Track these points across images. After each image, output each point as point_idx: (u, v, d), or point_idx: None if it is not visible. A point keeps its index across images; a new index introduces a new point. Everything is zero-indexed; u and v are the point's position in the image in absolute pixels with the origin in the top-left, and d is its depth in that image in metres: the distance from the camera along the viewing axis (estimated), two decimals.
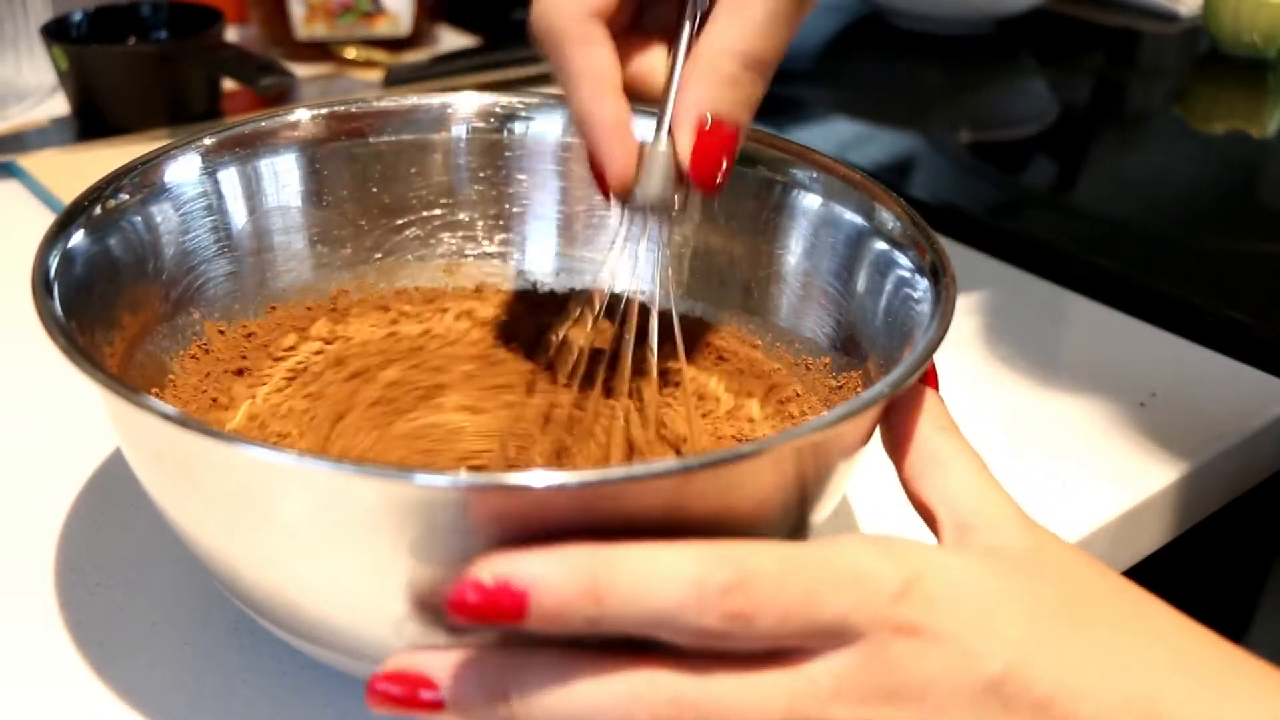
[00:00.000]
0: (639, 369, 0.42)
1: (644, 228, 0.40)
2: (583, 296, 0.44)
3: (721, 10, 0.37)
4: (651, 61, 0.39)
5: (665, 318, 0.42)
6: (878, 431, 0.36)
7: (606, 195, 0.39)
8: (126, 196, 0.41)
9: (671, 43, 0.39)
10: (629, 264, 0.41)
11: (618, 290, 0.43)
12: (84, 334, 0.36)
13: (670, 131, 0.38)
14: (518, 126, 0.48)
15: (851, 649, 0.29)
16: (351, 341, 0.46)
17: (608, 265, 0.41)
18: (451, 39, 0.93)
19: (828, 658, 0.29)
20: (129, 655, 0.38)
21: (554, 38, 0.37)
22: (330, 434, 0.42)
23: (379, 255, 0.48)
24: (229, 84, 0.78)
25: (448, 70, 0.83)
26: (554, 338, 0.44)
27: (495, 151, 0.48)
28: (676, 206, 0.39)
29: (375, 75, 0.84)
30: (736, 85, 0.37)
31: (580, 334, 0.43)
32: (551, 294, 0.49)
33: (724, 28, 0.37)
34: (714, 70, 0.37)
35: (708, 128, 0.37)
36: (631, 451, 0.41)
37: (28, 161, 0.69)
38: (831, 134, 0.83)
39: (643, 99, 0.39)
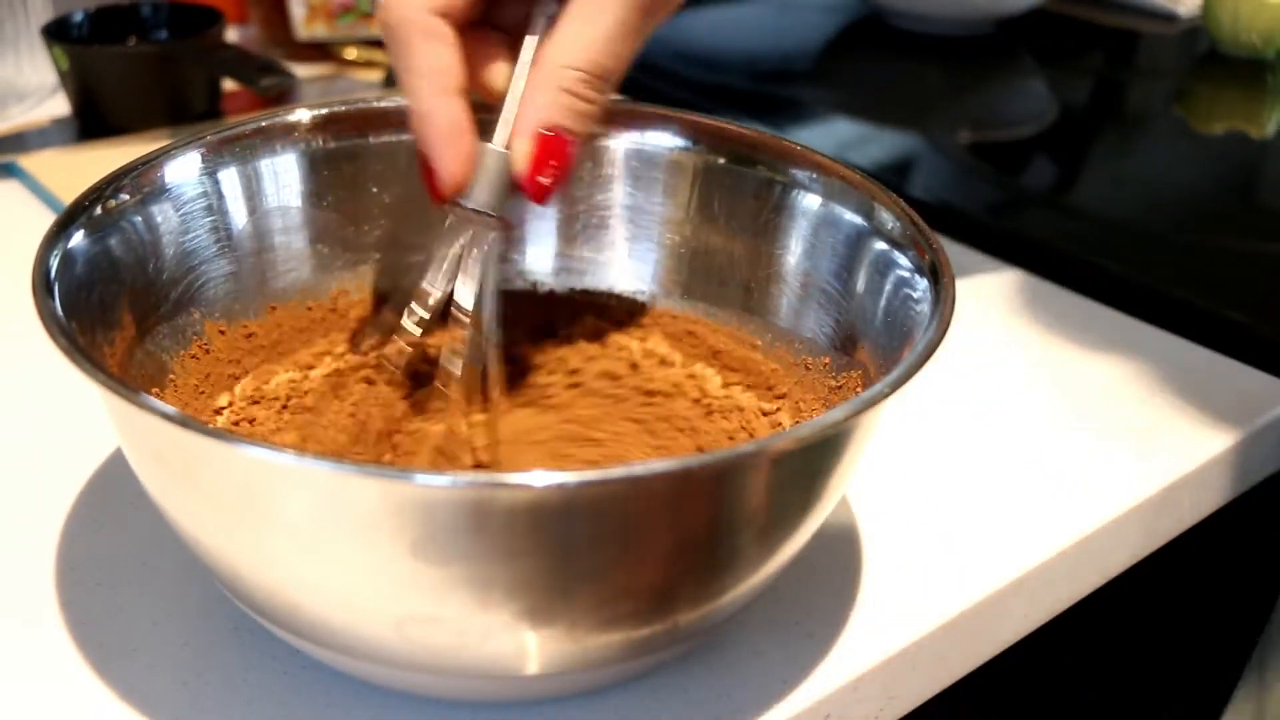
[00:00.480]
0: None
1: (471, 234, 0.39)
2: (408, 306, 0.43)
3: (570, 17, 0.37)
4: (495, 62, 0.39)
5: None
6: (878, 431, 0.36)
7: (436, 199, 0.39)
8: (126, 196, 0.41)
9: (516, 44, 0.39)
10: (454, 272, 0.40)
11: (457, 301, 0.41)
12: (84, 334, 0.36)
13: (509, 139, 0.38)
14: None
15: None
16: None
17: (435, 273, 0.41)
18: None
19: None
20: (129, 655, 0.38)
21: (399, 32, 0.37)
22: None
23: (379, 255, 0.48)
24: (229, 84, 0.78)
25: None
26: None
27: None
28: (502, 216, 0.39)
29: (375, 75, 0.84)
30: (579, 97, 0.37)
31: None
32: (551, 294, 0.49)
33: (571, 37, 0.36)
34: (557, 81, 0.36)
35: (546, 137, 0.37)
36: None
37: (28, 162, 0.69)
38: (831, 134, 0.83)
39: (484, 99, 0.39)
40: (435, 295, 0.41)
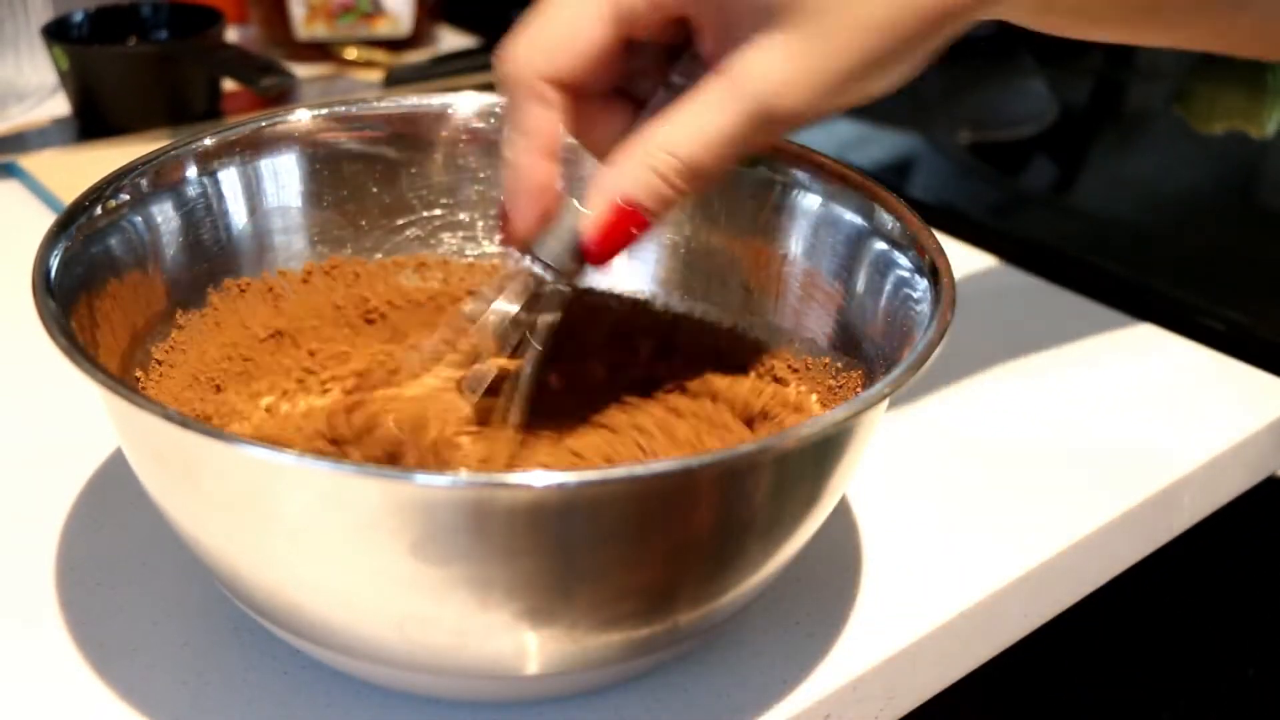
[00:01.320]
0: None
1: (533, 283, 0.39)
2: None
3: (686, 104, 0.36)
4: (610, 130, 0.39)
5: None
6: (875, 433, 0.36)
7: (504, 243, 0.39)
8: (126, 196, 0.41)
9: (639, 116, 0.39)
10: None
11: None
12: (84, 334, 0.36)
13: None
14: None
15: None
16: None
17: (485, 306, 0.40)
18: (451, 39, 0.93)
19: None
20: (129, 655, 0.38)
21: (509, 87, 0.38)
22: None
23: (379, 255, 0.48)
24: (229, 84, 0.78)
25: (448, 70, 0.83)
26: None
27: (495, 151, 0.48)
28: (569, 272, 0.38)
29: (375, 75, 0.84)
30: (665, 181, 0.36)
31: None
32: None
33: (678, 123, 0.36)
34: (649, 158, 0.36)
35: (619, 208, 0.36)
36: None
37: (28, 162, 0.69)
38: (831, 134, 0.83)
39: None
40: (480, 332, 0.40)
